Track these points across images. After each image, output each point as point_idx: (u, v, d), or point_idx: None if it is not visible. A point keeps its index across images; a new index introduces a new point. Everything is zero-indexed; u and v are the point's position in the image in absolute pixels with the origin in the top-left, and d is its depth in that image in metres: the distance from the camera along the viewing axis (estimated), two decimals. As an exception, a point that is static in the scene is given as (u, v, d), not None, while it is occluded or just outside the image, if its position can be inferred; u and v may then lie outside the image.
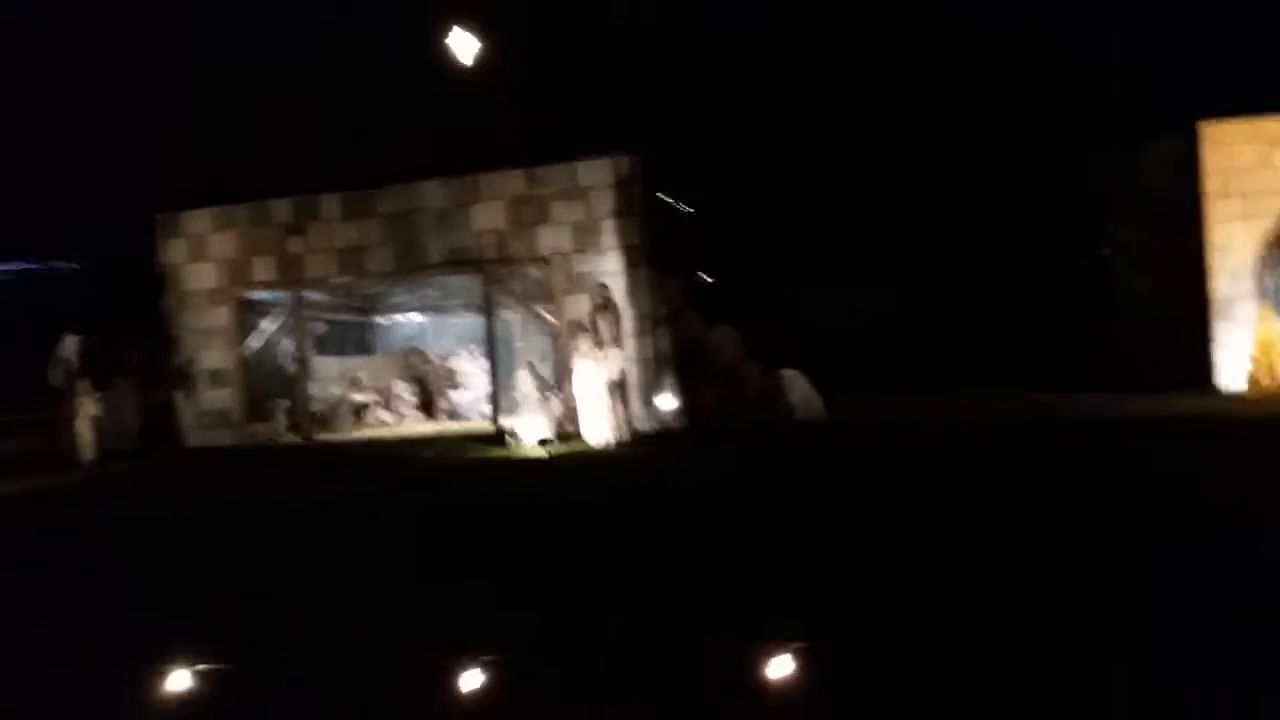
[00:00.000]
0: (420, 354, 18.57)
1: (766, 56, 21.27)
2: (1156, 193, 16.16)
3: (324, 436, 16.43)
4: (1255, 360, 14.01)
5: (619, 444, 12.46)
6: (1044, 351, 17.13)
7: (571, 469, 11.08)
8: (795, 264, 19.32)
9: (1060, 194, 20.03)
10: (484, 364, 17.28)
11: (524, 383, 13.60)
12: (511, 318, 18.48)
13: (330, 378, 17.97)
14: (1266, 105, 15.16)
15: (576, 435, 12.87)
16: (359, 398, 17.78)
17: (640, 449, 12.26)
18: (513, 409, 14.37)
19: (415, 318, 19.56)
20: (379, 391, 18.12)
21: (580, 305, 14.60)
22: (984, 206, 20.84)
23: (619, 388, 12.60)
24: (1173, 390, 14.11)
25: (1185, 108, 15.75)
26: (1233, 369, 14.63)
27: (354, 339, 19.03)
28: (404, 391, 18.08)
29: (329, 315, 18.23)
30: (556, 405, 14.98)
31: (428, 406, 18.28)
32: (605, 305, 12.89)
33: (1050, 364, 16.50)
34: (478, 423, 16.79)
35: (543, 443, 12.42)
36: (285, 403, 17.25)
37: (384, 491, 10.24)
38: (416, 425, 17.27)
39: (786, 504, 8.02)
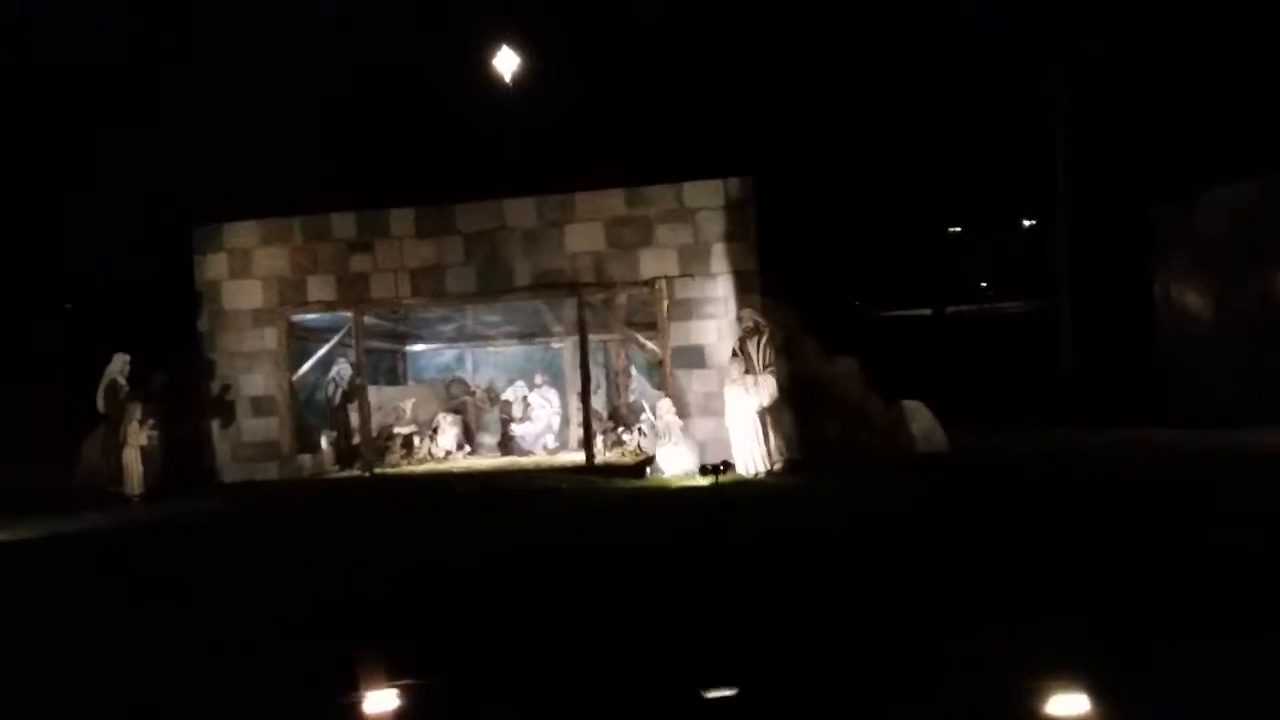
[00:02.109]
0: (463, 384, 17.47)
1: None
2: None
3: (382, 470, 15.19)
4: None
5: (769, 473, 11.87)
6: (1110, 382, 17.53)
7: (752, 498, 10.50)
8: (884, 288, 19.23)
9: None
10: (552, 395, 16.41)
11: (666, 411, 12.84)
12: (560, 346, 17.66)
13: (355, 408, 16.67)
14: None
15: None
16: (401, 429, 16.54)
17: (793, 479, 11.72)
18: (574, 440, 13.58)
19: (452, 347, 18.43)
20: (419, 423, 16.92)
21: (687, 332, 14.01)
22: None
23: (769, 415, 12.01)
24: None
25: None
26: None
27: (385, 368, 17.76)
28: (447, 423, 16.93)
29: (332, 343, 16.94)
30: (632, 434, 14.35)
31: (469, 439, 17.20)
32: (756, 329, 12.33)
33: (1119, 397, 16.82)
34: (542, 456, 15.88)
35: (710, 471, 11.68)
36: (332, 434, 15.94)
37: (591, 531, 9.35)
38: (475, 459, 16.19)
39: (999, 534, 7.77)
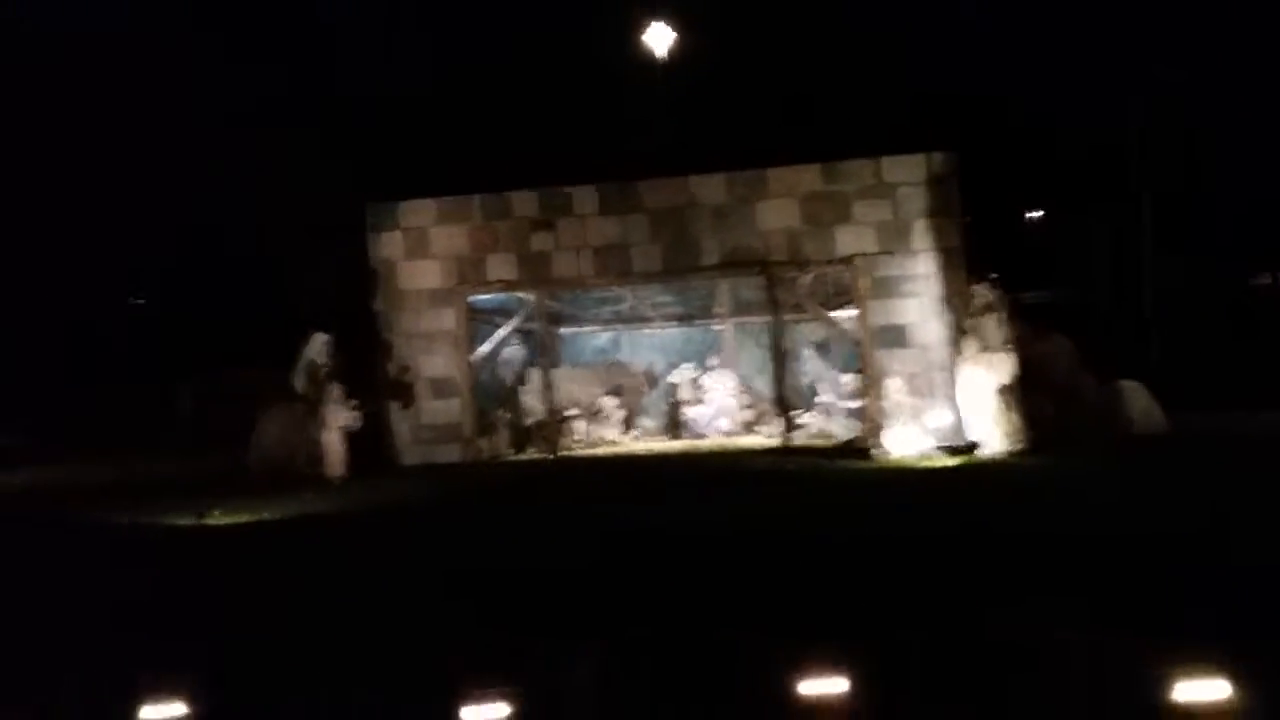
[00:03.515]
0: (621, 366, 17.18)
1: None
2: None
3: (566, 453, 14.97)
4: None
5: (1010, 454, 11.53)
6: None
7: (1028, 482, 10.15)
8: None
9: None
10: (726, 377, 16.11)
11: (895, 391, 12.51)
12: (720, 328, 17.37)
13: (528, 390, 16.44)
14: None
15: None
16: (570, 412, 16.28)
17: (1038, 459, 11.37)
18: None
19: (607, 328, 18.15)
20: (582, 406, 16.66)
21: (887, 310, 13.67)
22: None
23: (1010, 392, 11.66)
24: None
25: None
26: None
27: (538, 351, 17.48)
28: (611, 406, 16.68)
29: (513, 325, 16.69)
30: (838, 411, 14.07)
31: (627, 421, 16.94)
32: (990, 306, 11.97)
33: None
34: (718, 440, 15.60)
35: (958, 450, 11.35)
36: (506, 415, 15.71)
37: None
38: (645, 443, 15.93)
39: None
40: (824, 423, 15.12)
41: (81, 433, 21.21)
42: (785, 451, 13.55)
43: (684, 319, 17.19)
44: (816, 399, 15.44)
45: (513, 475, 13.34)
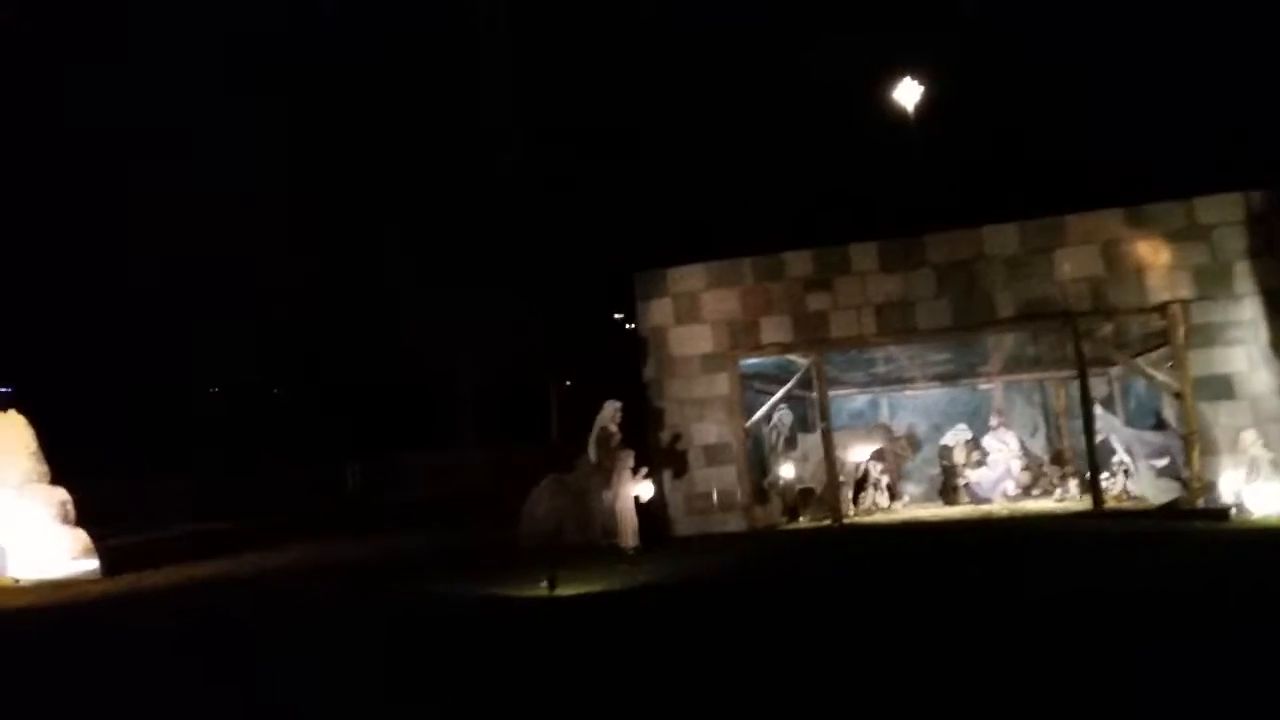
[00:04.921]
0: (885, 429, 16.47)
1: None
2: None
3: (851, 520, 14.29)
4: None
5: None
6: None
7: None
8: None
9: None
10: (1009, 438, 15.24)
11: (1251, 444, 11.51)
12: (989, 386, 16.54)
13: (797, 455, 15.88)
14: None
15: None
16: (841, 478, 15.61)
17: None
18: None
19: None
20: (845, 472, 15.96)
21: (1209, 360, 12.67)
22: None
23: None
24: None
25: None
26: None
27: (796, 415, 16.92)
28: (877, 471, 15.96)
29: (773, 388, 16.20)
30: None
31: (890, 487, 16.18)
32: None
33: None
34: (1002, 504, 14.71)
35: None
36: (778, 482, 15.17)
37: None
38: (920, 509, 15.15)
39: None
40: (1125, 483, 14.08)
41: (277, 512, 21.76)
42: (1101, 515, 12.60)
43: (950, 378, 16.41)
44: (1114, 458, 14.41)
45: (815, 543, 12.73)
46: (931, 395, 16.84)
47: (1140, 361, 13.58)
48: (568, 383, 32.59)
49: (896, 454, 16.43)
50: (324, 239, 29.56)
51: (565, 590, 9.70)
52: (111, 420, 27.07)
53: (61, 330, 27.49)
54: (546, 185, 27.62)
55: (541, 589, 9.73)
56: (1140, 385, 15.12)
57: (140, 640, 9.07)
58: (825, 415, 14.35)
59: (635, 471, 12.83)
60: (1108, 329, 13.64)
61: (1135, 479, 13.96)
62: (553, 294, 28.11)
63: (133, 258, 26.50)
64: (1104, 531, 11.26)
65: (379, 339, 32.83)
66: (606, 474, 12.88)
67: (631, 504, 12.78)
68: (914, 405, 16.93)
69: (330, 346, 32.16)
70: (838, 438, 16.48)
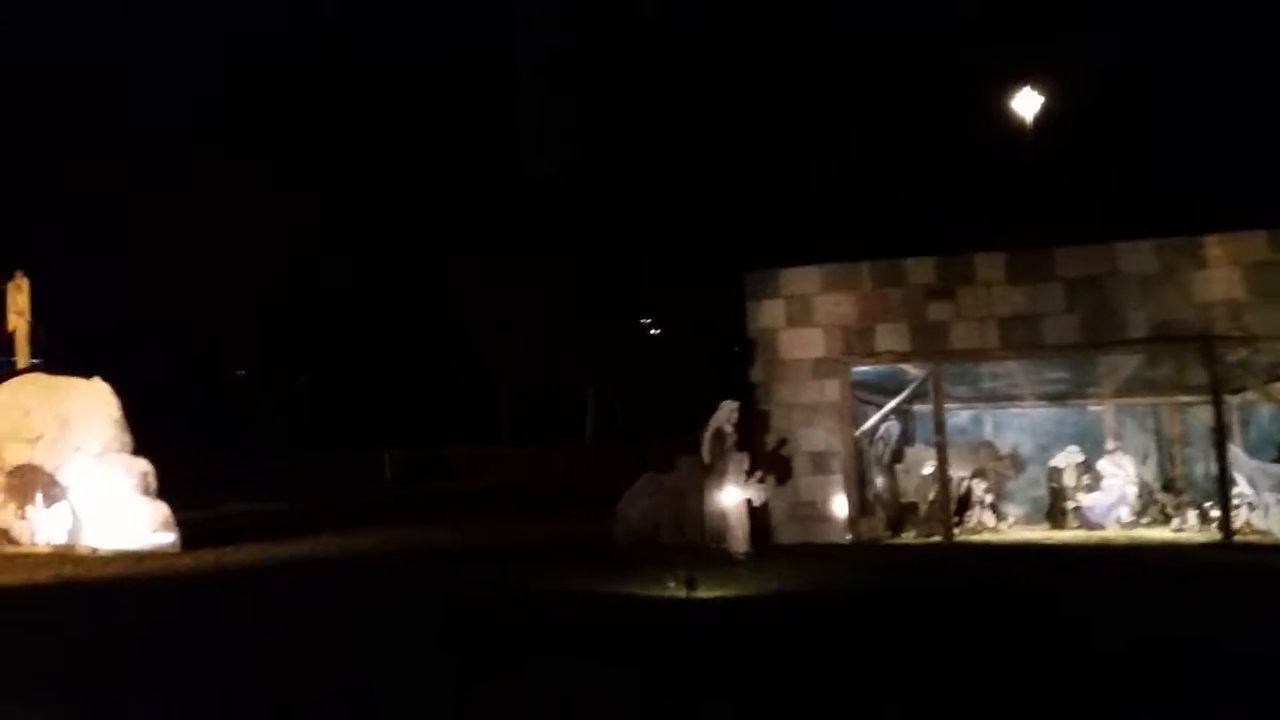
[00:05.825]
0: (990, 447, 16.02)
1: None
2: None
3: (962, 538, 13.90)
4: None
5: None
6: None
7: None
8: None
9: None
10: (1125, 462, 14.76)
11: None
12: (1099, 408, 16.04)
13: (903, 469, 15.49)
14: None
15: None
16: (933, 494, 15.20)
17: None
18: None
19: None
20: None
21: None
22: None
23: None
24: None
25: None
26: None
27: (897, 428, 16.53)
28: (980, 490, 15.52)
29: (876, 399, 15.82)
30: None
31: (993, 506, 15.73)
32: None
33: None
34: (1116, 530, 14.24)
35: None
36: (884, 495, 14.79)
37: None
38: (1031, 530, 14.72)
39: None
40: (1248, 515, 13.57)
41: (326, 498, 21.77)
42: (1227, 548, 12.12)
43: (1060, 398, 15.92)
44: (1234, 490, 13.89)
45: (931, 558, 12.34)
46: (1038, 414, 16.34)
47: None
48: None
49: (999, 473, 15.96)
50: (374, 238, 29.96)
51: (701, 593, 9.38)
52: (166, 399, 27.37)
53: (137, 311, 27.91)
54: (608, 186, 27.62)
55: (673, 590, 9.43)
56: (1263, 416, 14.61)
57: (287, 622, 8.70)
58: (941, 429, 13.94)
59: (749, 475, 12.53)
60: (1242, 354, 13.14)
61: (1260, 512, 13.44)
62: (590, 298, 28.30)
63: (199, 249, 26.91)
64: (1244, 564, 10.80)
65: (426, 334, 33.15)
66: (719, 475, 12.56)
67: (744, 508, 12.47)
68: (1018, 424, 16.43)
69: (375, 341, 32.57)
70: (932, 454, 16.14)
